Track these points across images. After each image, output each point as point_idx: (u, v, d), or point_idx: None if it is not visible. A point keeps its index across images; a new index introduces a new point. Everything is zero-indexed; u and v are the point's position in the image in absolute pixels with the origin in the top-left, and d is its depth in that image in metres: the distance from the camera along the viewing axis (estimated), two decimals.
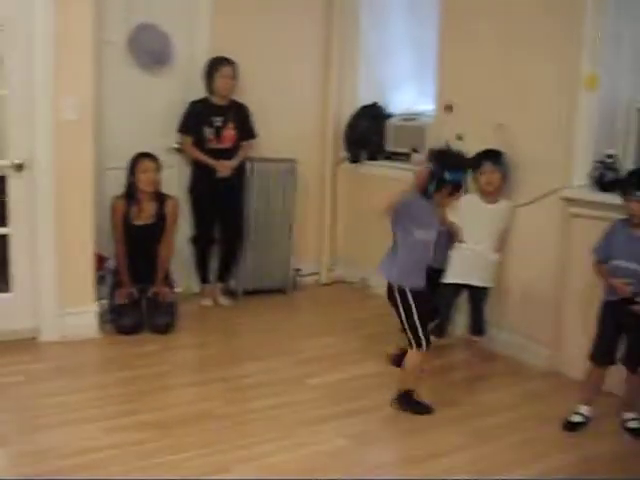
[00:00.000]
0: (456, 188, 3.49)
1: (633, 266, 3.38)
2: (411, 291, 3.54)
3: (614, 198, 3.69)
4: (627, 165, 4.03)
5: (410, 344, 3.60)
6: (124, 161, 4.76)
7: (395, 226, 3.53)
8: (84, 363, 4.21)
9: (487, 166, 4.29)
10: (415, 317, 3.54)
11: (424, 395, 3.84)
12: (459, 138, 4.54)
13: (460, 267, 4.33)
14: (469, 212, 4.34)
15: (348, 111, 5.97)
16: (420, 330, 3.56)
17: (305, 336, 4.79)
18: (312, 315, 5.39)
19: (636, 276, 3.37)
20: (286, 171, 5.57)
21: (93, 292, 4.59)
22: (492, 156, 4.31)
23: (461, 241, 4.33)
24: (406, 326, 3.58)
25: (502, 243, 4.41)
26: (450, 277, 4.36)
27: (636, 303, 3.36)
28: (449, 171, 3.42)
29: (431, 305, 3.92)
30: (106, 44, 4.91)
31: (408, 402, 3.67)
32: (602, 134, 4.07)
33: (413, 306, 3.54)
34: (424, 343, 3.58)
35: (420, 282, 3.57)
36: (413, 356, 3.61)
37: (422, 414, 3.64)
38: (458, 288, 4.39)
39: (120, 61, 5.05)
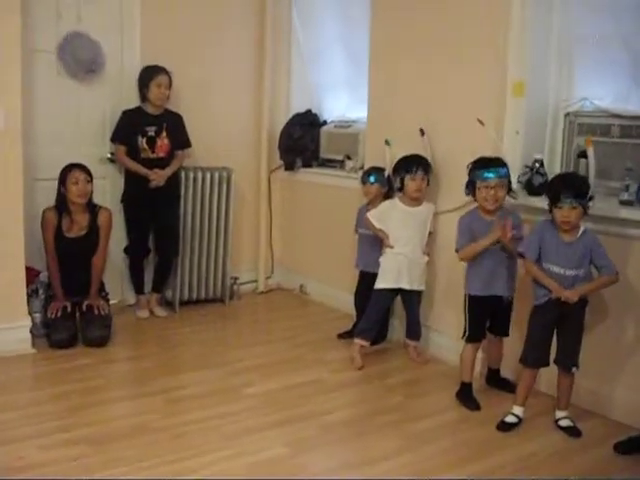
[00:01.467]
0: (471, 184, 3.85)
1: (564, 271, 3.46)
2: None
3: (543, 202, 3.78)
4: (555, 169, 4.13)
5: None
6: (55, 172, 4.67)
7: None
8: (17, 379, 4.11)
9: (419, 173, 4.30)
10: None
11: (359, 400, 3.97)
12: (387, 143, 4.58)
13: (390, 272, 4.38)
14: (394, 217, 4.39)
15: (282, 118, 5.99)
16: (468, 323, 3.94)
17: (242, 345, 4.78)
18: (250, 324, 5.37)
19: (568, 280, 3.46)
20: (221, 179, 5.54)
21: (25, 307, 4.51)
22: (423, 163, 4.33)
23: (389, 246, 4.38)
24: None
25: (429, 246, 4.47)
26: (381, 282, 4.41)
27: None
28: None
29: None
30: (36, 53, 4.82)
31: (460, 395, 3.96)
32: (530, 139, 4.15)
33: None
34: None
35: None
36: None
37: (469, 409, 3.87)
38: (391, 293, 4.44)
39: (50, 70, 4.95)
